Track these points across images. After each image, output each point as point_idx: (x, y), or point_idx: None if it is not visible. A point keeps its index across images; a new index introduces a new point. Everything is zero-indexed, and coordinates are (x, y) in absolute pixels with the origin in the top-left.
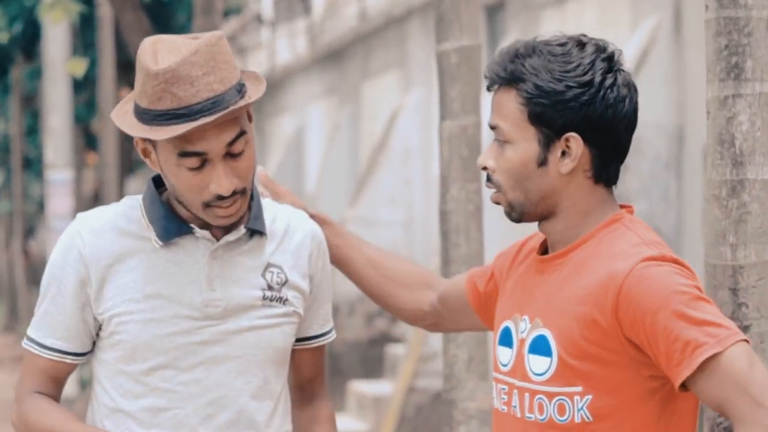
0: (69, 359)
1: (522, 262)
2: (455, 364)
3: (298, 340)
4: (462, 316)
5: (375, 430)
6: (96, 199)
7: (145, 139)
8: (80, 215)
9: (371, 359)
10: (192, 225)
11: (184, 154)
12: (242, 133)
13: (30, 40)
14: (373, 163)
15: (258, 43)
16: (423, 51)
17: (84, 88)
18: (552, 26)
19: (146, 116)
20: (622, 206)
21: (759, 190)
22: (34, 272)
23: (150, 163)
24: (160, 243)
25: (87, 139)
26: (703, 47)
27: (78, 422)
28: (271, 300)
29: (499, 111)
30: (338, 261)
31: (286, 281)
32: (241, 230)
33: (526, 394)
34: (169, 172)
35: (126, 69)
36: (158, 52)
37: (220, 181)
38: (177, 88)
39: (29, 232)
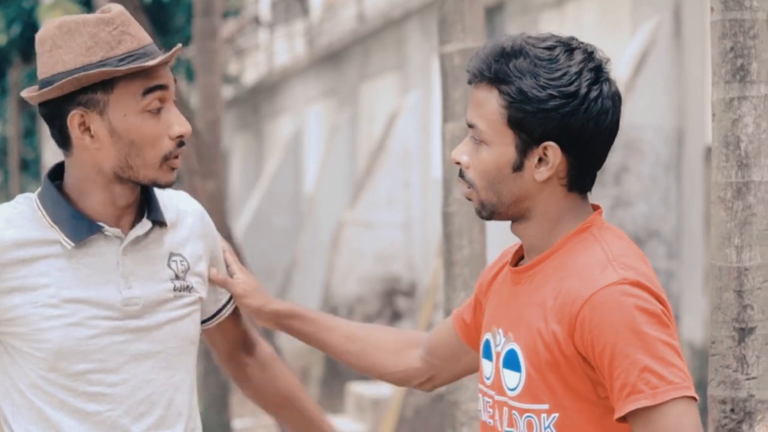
0: None
1: (502, 270)
2: None
3: (215, 314)
4: (456, 359)
5: (374, 431)
6: None
7: (84, 111)
8: None
9: None
10: (100, 223)
11: (150, 90)
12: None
13: (28, 42)
14: (372, 165)
15: (256, 45)
16: (421, 53)
17: None
18: (551, 28)
19: (106, 68)
20: (592, 206)
21: (764, 192)
22: None
23: (90, 139)
24: (72, 244)
25: None
26: (702, 49)
27: None
28: (180, 290)
29: (477, 109)
30: (318, 345)
31: (189, 268)
32: (147, 223)
33: (505, 408)
34: (129, 127)
35: None
36: (86, 15)
37: (181, 119)
38: (132, 29)
39: None
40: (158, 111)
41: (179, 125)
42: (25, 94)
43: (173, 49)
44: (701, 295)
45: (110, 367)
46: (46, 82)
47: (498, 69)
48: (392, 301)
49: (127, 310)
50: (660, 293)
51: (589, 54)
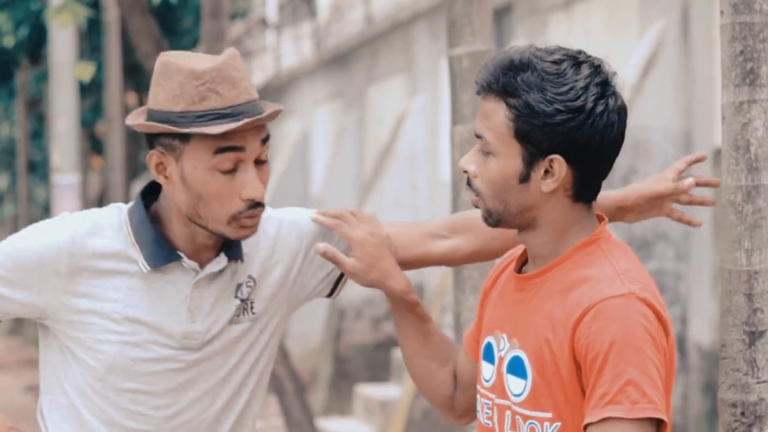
0: None
1: (503, 273)
2: None
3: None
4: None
5: None
6: (101, 203)
7: (162, 152)
8: (68, 215)
9: (378, 363)
10: (180, 253)
11: (221, 150)
12: (269, 137)
13: (36, 44)
14: (379, 167)
15: (263, 47)
16: (429, 55)
17: (90, 92)
18: (559, 30)
19: (183, 119)
20: (597, 215)
21: None
22: None
23: (164, 180)
24: (148, 268)
25: (92, 143)
26: (710, 51)
27: None
28: (239, 315)
29: (485, 120)
30: (401, 340)
31: (255, 286)
32: (223, 260)
33: (507, 412)
34: (198, 181)
35: (132, 73)
36: (187, 58)
37: (255, 184)
38: (221, 87)
39: None
40: (233, 170)
41: (252, 189)
42: (130, 117)
43: (251, 119)
44: (709, 297)
45: (157, 391)
46: (147, 113)
47: (506, 82)
48: None
49: (185, 342)
50: (662, 311)
51: (596, 68)
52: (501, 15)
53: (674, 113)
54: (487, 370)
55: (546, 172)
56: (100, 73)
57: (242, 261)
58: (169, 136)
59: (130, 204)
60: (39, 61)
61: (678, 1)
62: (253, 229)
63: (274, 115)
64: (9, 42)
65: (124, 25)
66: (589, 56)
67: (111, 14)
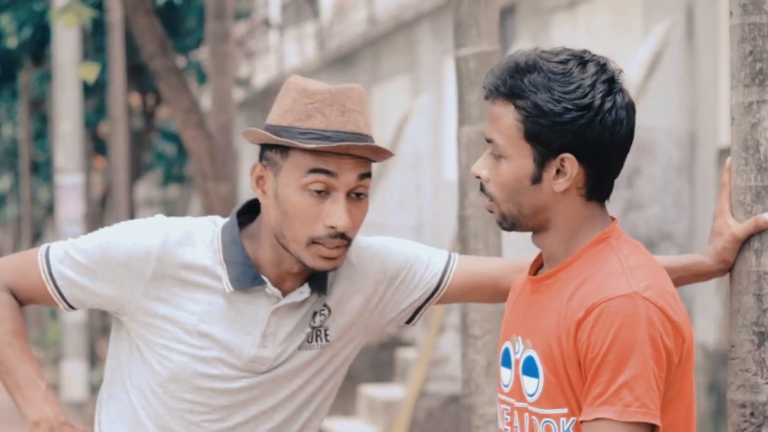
0: (60, 304)
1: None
2: (474, 370)
3: (434, 291)
4: None
5: None
6: (104, 203)
7: (264, 166)
8: (163, 218)
9: (382, 363)
10: (264, 277)
11: (314, 171)
12: (370, 174)
13: (39, 44)
14: (383, 167)
15: (266, 47)
16: (433, 55)
17: (93, 92)
18: (563, 31)
19: (287, 133)
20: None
21: None
22: None
23: (262, 194)
24: (231, 289)
25: (95, 144)
26: (715, 52)
27: (31, 364)
28: (310, 341)
29: (495, 124)
30: None
31: (329, 315)
32: (305, 291)
33: (525, 414)
34: (287, 198)
35: (135, 74)
36: (311, 80)
37: (340, 213)
38: (329, 110)
39: (37, 236)
40: (323, 194)
41: (336, 218)
42: (243, 130)
43: (346, 144)
44: (714, 297)
45: (214, 404)
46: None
47: (513, 84)
48: None
49: (252, 365)
50: (669, 310)
51: (602, 66)
52: (504, 15)
53: (678, 114)
54: (505, 375)
55: (558, 171)
56: (103, 74)
57: (325, 294)
58: (272, 149)
59: (226, 220)
60: (42, 61)
61: (682, 2)
62: (335, 262)
63: (376, 151)
64: (12, 43)
65: (127, 25)
66: (595, 55)
67: (114, 15)
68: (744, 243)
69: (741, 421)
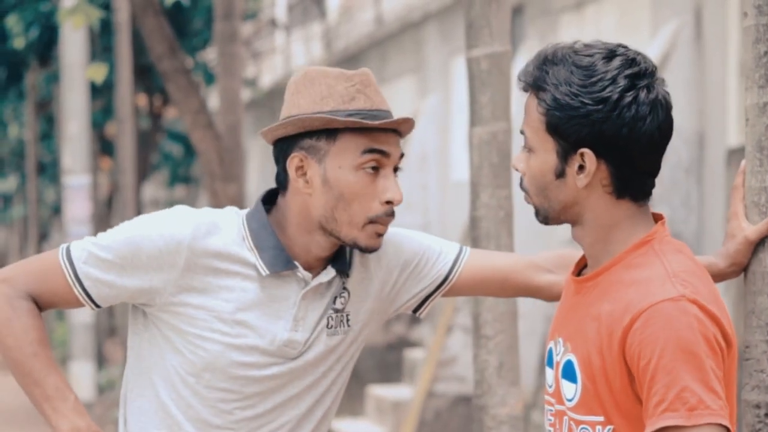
0: (87, 304)
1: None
2: (486, 370)
3: (444, 280)
4: None
5: None
6: (111, 204)
7: (305, 155)
8: (186, 208)
9: (389, 364)
10: (295, 262)
11: (370, 151)
12: (403, 153)
13: (46, 45)
14: None
15: (272, 48)
16: (440, 56)
17: (100, 93)
18: (571, 31)
19: (333, 116)
20: (653, 215)
21: None
22: None
23: (304, 183)
24: (267, 272)
25: (102, 144)
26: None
27: (58, 374)
28: (335, 327)
29: (526, 117)
30: None
31: (349, 299)
32: (330, 272)
33: (564, 417)
34: (341, 180)
35: (143, 74)
36: (331, 68)
37: (395, 188)
38: (369, 91)
39: (43, 237)
40: (374, 173)
41: (392, 192)
42: (262, 131)
43: (400, 118)
44: (723, 296)
45: (246, 392)
46: (281, 123)
47: (537, 76)
48: None
49: (284, 350)
50: (717, 314)
51: (631, 60)
52: (512, 16)
53: (687, 114)
54: (549, 376)
55: (580, 167)
56: (110, 75)
57: (348, 276)
58: (313, 136)
59: (248, 209)
60: (49, 62)
61: (690, 2)
62: (381, 239)
63: (413, 123)
64: (19, 43)
65: (134, 26)
66: (629, 50)
67: (122, 15)
68: (758, 244)
69: (756, 421)
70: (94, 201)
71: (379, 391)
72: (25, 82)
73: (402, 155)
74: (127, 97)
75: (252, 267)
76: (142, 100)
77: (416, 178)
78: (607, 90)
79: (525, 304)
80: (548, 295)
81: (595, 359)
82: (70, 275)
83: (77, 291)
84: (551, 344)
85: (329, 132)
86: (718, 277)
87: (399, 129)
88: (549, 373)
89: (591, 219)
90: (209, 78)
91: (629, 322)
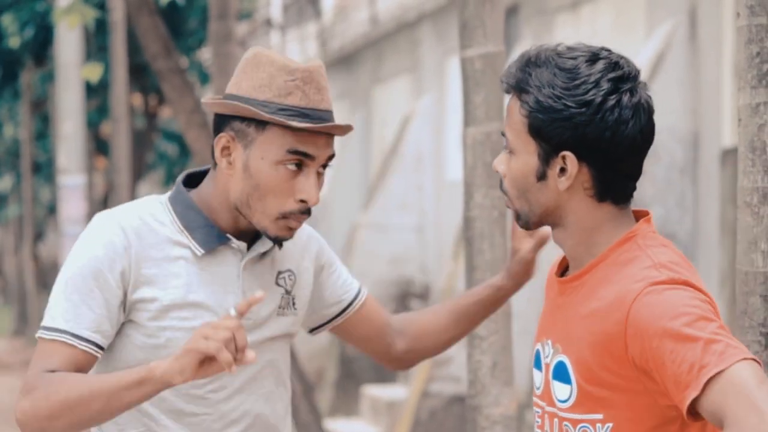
0: (99, 354)
1: (550, 278)
2: (479, 370)
3: (341, 312)
4: None
5: None
6: (107, 204)
7: (233, 137)
8: (109, 213)
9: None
10: (228, 235)
11: (293, 152)
12: (334, 155)
13: (41, 44)
14: (385, 168)
15: (268, 48)
16: (435, 56)
17: (95, 92)
18: (566, 31)
19: (265, 108)
20: (638, 212)
21: None
22: (44, 277)
23: (227, 165)
24: (202, 251)
25: (97, 144)
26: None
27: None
28: (285, 308)
29: (507, 118)
30: None
31: (296, 281)
32: (267, 242)
33: (555, 420)
34: (261, 171)
35: (138, 74)
36: (279, 55)
37: (313, 190)
38: (309, 88)
39: (39, 236)
40: (297, 170)
41: (308, 194)
42: (204, 99)
43: (330, 124)
44: (717, 298)
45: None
46: (225, 97)
47: (520, 78)
48: (406, 304)
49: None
50: (709, 296)
51: (614, 64)
52: (507, 16)
53: (682, 114)
54: (537, 377)
55: (562, 170)
56: (105, 74)
57: (280, 248)
58: (244, 121)
59: (168, 194)
60: (44, 61)
61: (685, 2)
62: (293, 232)
63: (349, 128)
64: (14, 43)
65: (129, 25)
66: (611, 53)
67: (117, 15)
68: (750, 244)
69: None
70: (90, 200)
71: (374, 391)
72: (21, 82)
73: (332, 155)
74: (122, 96)
75: (187, 248)
76: (137, 99)
77: (411, 178)
78: (591, 93)
79: (519, 303)
80: (397, 366)
81: (590, 358)
82: (68, 338)
83: (86, 347)
84: (538, 346)
85: (258, 121)
86: (504, 296)
87: (339, 133)
88: (537, 375)
89: (573, 222)
90: (204, 78)
91: (625, 314)
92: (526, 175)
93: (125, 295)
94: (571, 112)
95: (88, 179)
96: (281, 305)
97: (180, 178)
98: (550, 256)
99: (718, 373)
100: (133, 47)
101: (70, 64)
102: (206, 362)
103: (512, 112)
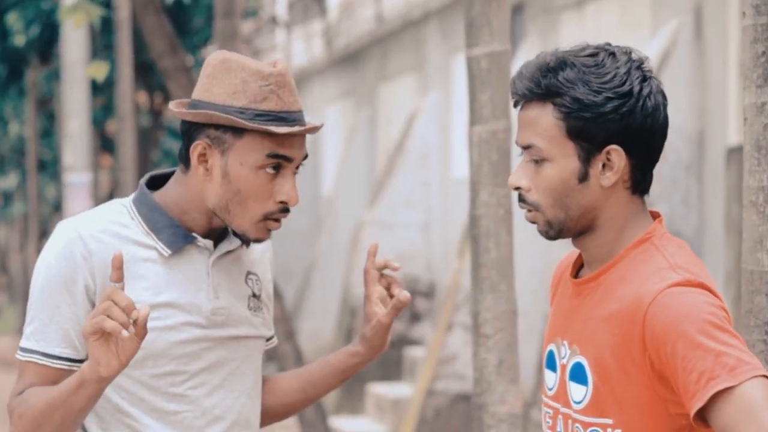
0: (76, 367)
1: (563, 278)
2: (485, 368)
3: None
4: None
5: None
6: None
7: (209, 144)
8: (69, 221)
9: (390, 362)
10: (194, 234)
11: (273, 156)
12: (307, 154)
13: (46, 42)
14: (391, 165)
15: (273, 46)
16: (441, 54)
17: (100, 90)
18: (571, 29)
19: (242, 115)
20: (650, 213)
21: None
22: None
23: (204, 171)
24: (169, 252)
25: (102, 142)
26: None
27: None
28: (255, 309)
29: (532, 128)
30: None
31: (261, 287)
32: (235, 241)
33: (569, 421)
34: (240, 177)
35: (143, 72)
36: (247, 59)
37: (292, 190)
38: (283, 92)
39: (44, 234)
40: (275, 172)
41: (287, 195)
42: (172, 105)
43: (308, 127)
44: (723, 297)
45: (192, 370)
46: (193, 104)
47: (548, 83)
48: (411, 302)
49: (214, 319)
50: (723, 302)
51: (629, 54)
52: (512, 14)
53: (687, 113)
54: (550, 378)
55: (604, 166)
56: (111, 72)
57: (248, 246)
58: (220, 128)
59: (131, 196)
60: (49, 59)
61: (691, 1)
62: (270, 233)
63: (320, 127)
64: (20, 41)
65: (135, 23)
66: (618, 46)
67: (123, 13)
68: (756, 243)
69: None
70: (95, 198)
71: (379, 389)
72: (26, 80)
73: (306, 156)
74: (127, 94)
75: (153, 249)
76: (143, 97)
77: (417, 176)
78: (627, 83)
79: (524, 302)
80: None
81: (609, 360)
82: (41, 359)
83: (60, 365)
84: (552, 347)
85: (235, 128)
86: (359, 363)
87: (314, 134)
88: (550, 375)
89: (607, 219)
90: None
91: (642, 316)
92: (566, 179)
93: (93, 305)
94: (615, 104)
95: (93, 177)
96: (251, 306)
97: (143, 180)
98: (551, 256)
99: (728, 389)
100: (139, 45)
101: (76, 62)
102: (110, 340)
103: (539, 119)
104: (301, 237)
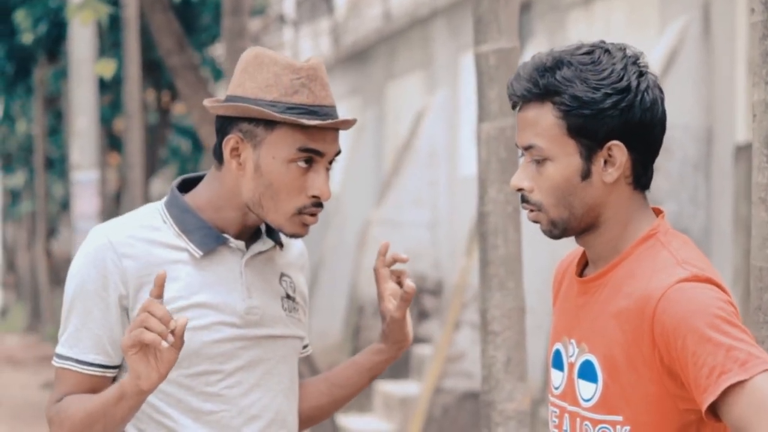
0: (110, 373)
1: (565, 277)
2: (493, 366)
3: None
4: None
5: (402, 430)
6: (119, 199)
7: (241, 138)
8: (100, 227)
9: (397, 360)
10: (225, 235)
11: (305, 150)
12: (341, 151)
13: (54, 40)
14: (398, 164)
15: (281, 44)
16: (448, 51)
17: (108, 88)
18: (579, 27)
19: (273, 108)
20: (652, 210)
21: None
22: (57, 273)
23: (237, 165)
24: (200, 253)
25: (110, 140)
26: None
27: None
28: (290, 310)
29: (531, 128)
30: None
31: (296, 289)
32: (268, 241)
33: (577, 419)
34: (273, 170)
35: (151, 70)
36: (281, 55)
37: (324, 185)
38: (314, 85)
39: (51, 232)
40: (307, 166)
41: (319, 189)
42: (206, 102)
43: (339, 120)
44: (731, 293)
45: (227, 370)
46: (227, 100)
47: (546, 83)
48: (419, 300)
49: (248, 318)
50: (730, 297)
51: (624, 50)
52: (520, 12)
53: (695, 110)
54: (556, 377)
55: (605, 162)
56: (119, 70)
57: (281, 248)
58: (252, 122)
59: (164, 199)
60: (57, 57)
61: None
62: (307, 228)
63: (354, 122)
64: (27, 39)
65: (143, 22)
66: (612, 43)
67: (130, 11)
68: (765, 240)
69: None
70: (103, 196)
71: (386, 387)
72: (34, 78)
73: (339, 152)
74: (135, 92)
75: (185, 251)
76: (151, 95)
77: (425, 174)
78: (624, 79)
79: (531, 300)
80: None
81: (619, 357)
82: (75, 366)
83: (93, 371)
84: (559, 345)
85: (267, 121)
86: (385, 360)
87: (345, 128)
88: (557, 374)
89: (610, 217)
90: (217, 74)
91: (652, 312)
92: (569, 177)
93: (127, 311)
94: (614, 100)
95: (101, 175)
96: (285, 307)
97: (175, 183)
98: (559, 253)
99: (740, 383)
100: (147, 43)
101: (84, 60)
102: (149, 353)
103: (538, 119)
104: (308, 235)
